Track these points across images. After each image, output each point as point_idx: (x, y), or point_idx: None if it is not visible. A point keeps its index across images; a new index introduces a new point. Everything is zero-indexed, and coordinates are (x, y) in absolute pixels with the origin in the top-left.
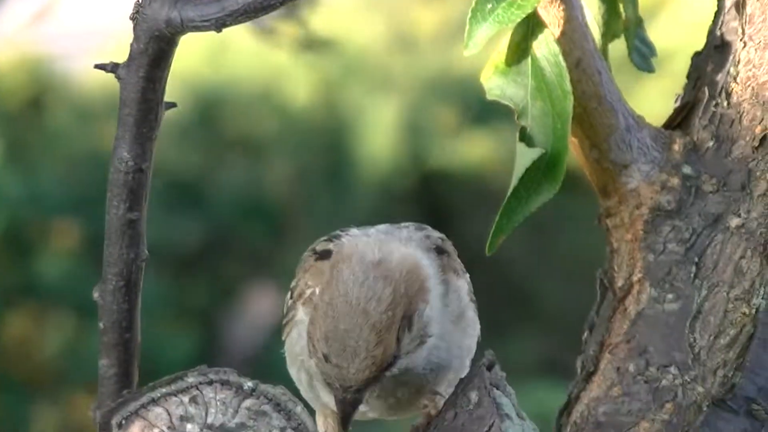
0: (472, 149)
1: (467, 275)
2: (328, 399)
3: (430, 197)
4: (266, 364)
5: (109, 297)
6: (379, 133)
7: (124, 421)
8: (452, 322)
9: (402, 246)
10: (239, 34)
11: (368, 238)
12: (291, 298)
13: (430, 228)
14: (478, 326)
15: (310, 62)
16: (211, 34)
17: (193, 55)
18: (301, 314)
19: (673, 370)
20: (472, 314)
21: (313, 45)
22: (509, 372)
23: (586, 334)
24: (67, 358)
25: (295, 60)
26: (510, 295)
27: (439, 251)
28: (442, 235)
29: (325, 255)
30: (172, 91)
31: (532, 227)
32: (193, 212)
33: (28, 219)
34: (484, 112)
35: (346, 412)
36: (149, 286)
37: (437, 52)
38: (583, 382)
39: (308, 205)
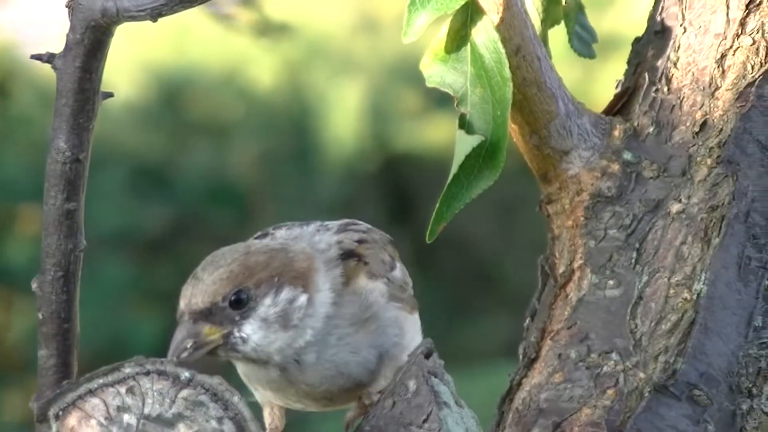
0: (436, 132)
1: (395, 273)
2: (270, 394)
3: (394, 180)
4: None
5: (48, 288)
6: (343, 116)
7: (61, 412)
8: (353, 324)
9: (308, 249)
10: (200, 20)
11: (273, 241)
12: None
13: (363, 225)
14: (408, 325)
15: (273, 47)
16: (173, 21)
17: (156, 41)
18: None
19: (614, 356)
20: (392, 315)
21: (270, 30)
22: (476, 353)
23: (527, 321)
24: (35, 344)
25: (258, 45)
26: (477, 277)
27: (348, 255)
28: (369, 236)
29: None
30: (135, 76)
31: (498, 209)
32: (159, 196)
33: None
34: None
35: (176, 345)
36: (117, 271)
37: (400, 35)
38: (525, 368)
39: (274, 188)
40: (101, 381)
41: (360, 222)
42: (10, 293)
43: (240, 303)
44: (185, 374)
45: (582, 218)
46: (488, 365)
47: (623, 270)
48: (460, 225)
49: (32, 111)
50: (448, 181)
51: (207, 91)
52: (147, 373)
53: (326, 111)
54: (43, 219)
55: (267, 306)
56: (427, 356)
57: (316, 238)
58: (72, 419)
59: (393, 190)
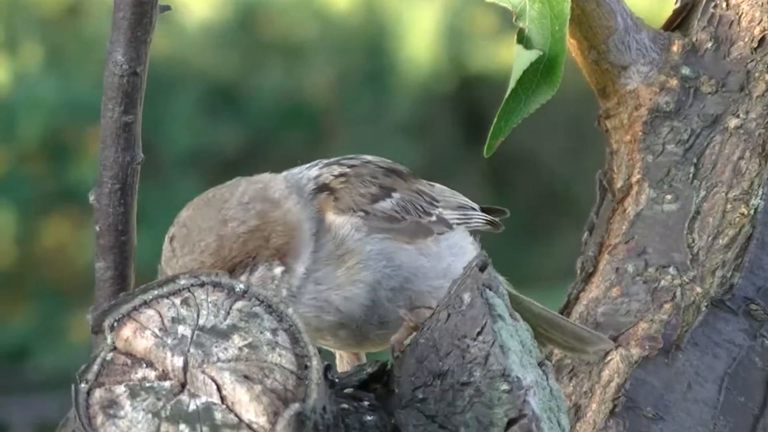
0: (511, 53)
1: (382, 204)
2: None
3: (469, 100)
4: None
5: (105, 200)
6: (419, 37)
7: (116, 324)
8: (328, 264)
9: (285, 192)
10: None
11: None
12: None
13: (361, 159)
14: (404, 256)
15: None
16: None
17: None
18: None
19: (671, 270)
20: (376, 247)
21: None
22: (549, 272)
23: (585, 236)
24: None
25: None
26: (549, 197)
27: (321, 190)
28: (355, 169)
29: None
30: None
31: (569, 129)
32: (233, 117)
33: (66, 125)
34: None
35: None
36: (189, 190)
37: None
38: (582, 283)
39: (347, 109)
40: (156, 292)
41: (366, 156)
42: (81, 214)
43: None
44: (240, 286)
45: (640, 133)
46: (560, 285)
47: (681, 185)
48: (533, 147)
49: (105, 30)
50: (506, 96)
51: (282, 12)
52: (202, 285)
53: (401, 32)
54: (101, 132)
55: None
56: (482, 269)
57: (301, 174)
58: (127, 330)
59: (467, 111)
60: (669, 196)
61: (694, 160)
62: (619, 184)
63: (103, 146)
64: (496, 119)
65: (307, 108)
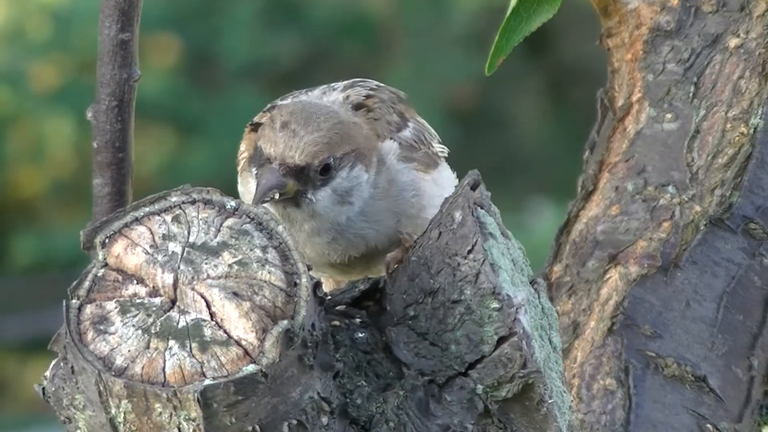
0: None
1: (405, 133)
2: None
3: None
4: None
5: (102, 117)
6: None
7: (107, 240)
8: (382, 193)
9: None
10: None
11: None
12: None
13: (373, 83)
14: (426, 186)
15: None
16: None
17: None
18: (239, 186)
19: (671, 189)
20: (408, 178)
21: None
22: None
23: (586, 154)
24: (168, 172)
25: None
26: None
27: (357, 108)
28: (377, 93)
29: (257, 126)
30: None
31: None
32: (292, 28)
33: None
34: None
35: (264, 192)
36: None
37: None
38: (583, 201)
39: (406, 21)
40: (147, 209)
41: (370, 80)
42: (144, 123)
43: (327, 170)
44: (231, 203)
45: (641, 52)
46: None
47: (681, 104)
48: (594, 62)
49: None
50: (507, 14)
51: None
52: (193, 202)
53: None
54: (98, 49)
55: (341, 179)
56: (474, 188)
57: (324, 100)
58: (118, 247)
59: None
60: (669, 115)
61: (694, 80)
62: (620, 102)
63: (100, 63)
64: (497, 37)
65: (365, 19)
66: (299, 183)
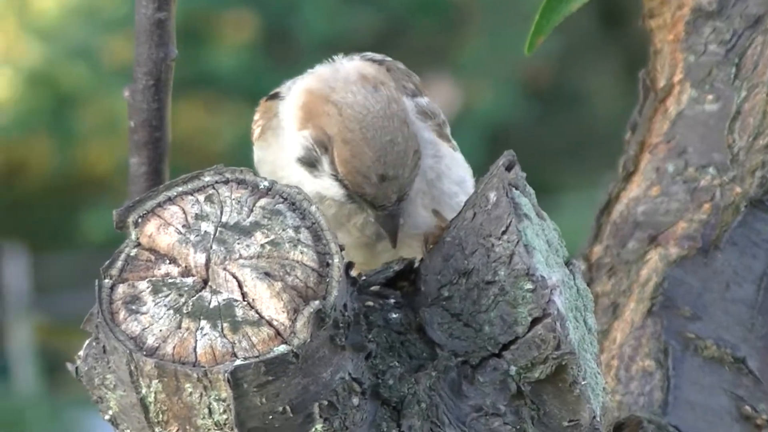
0: None
1: (420, 99)
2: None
3: None
4: None
5: (139, 96)
6: None
7: (140, 219)
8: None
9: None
10: None
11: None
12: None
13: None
14: (445, 150)
15: None
16: None
17: None
18: (257, 152)
19: (711, 170)
20: (428, 136)
21: None
22: None
23: (628, 135)
24: (241, 148)
25: None
26: None
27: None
28: (392, 63)
29: (274, 96)
30: None
31: None
32: (368, 3)
33: (204, 10)
34: None
35: (395, 224)
36: None
37: None
38: (624, 182)
39: None
40: (180, 189)
41: (389, 58)
42: (218, 99)
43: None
44: (264, 183)
45: (683, 32)
46: None
47: (722, 85)
48: None
49: None
50: None
51: None
52: (226, 182)
53: None
54: (135, 28)
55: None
56: (509, 168)
57: (343, 70)
58: (150, 226)
59: (604, 1)
60: (710, 96)
61: (736, 61)
62: (661, 83)
63: (137, 43)
64: (537, 17)
65: None
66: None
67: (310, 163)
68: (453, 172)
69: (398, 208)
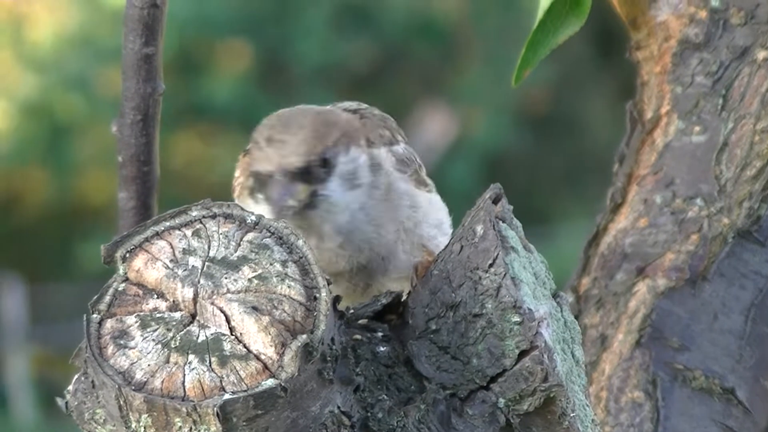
0: None
1: (396, 148)
2: None
3: (601, 16)
4: (439, 182)
5: (127, 131)
6: None
7: (128, 254)
8: (380, 199)
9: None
10: None
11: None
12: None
13: (364, 105)
14: (421, 199)
15: None
16: None
17: None
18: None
19: (699, 201)
20: (403, 187)
21: None
22: None
23: (615, 166)
24: None
25: None
26: None
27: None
28: (367, 110)
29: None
30: None
31: None
32: (364, 32)
33: (199, 40)
34: None
35: (280, 203)
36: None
37: None
38: (612, 213)
39: (478, 24)
40: (168, 224)
41: (364, 105)
42: (214, 129)
43: (327, 162)
44: (251, 218)
45: (670, 64)
46: None
47: (709, 116)
48: None
49: None
50: (534, 27)
51: None
52: (213, 216)
53: None
54: (122, 63)
55: (343, 164)
56: (495, 201)
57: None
58: (138, 261)
59: (599, 27)
60: (697, 128)
61: (723, 92)
62: (648, 115)
63: (124, 77)
64: (524, 50)
65: (437, 22)
66: (308, 184)
67: (251, 192)
68: (431, 217)
69: (285, 197)
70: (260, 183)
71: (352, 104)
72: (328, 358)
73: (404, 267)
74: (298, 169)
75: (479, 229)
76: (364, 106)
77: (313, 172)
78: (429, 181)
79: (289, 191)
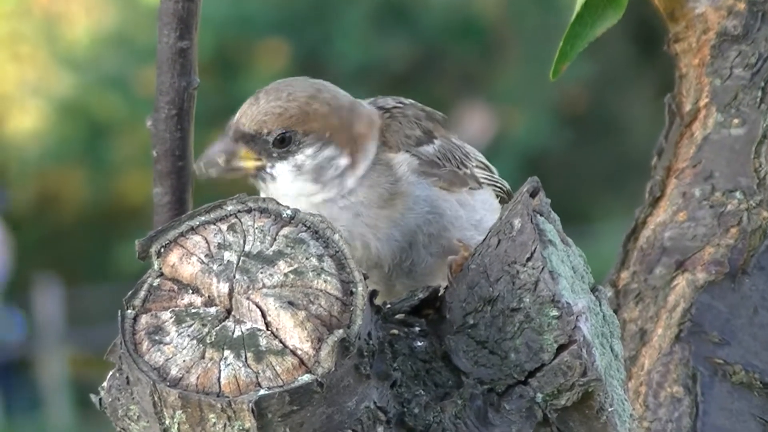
0: None
1: (426, 148)
2: None
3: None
4: None
5: (162, 125)
6: None
7: (162, 250)
8: (375, 198)
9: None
10: None
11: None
12: None
13: (408, 101)
14: (446, 204)
15: None
16: None
17: None
18: None
19: (738, 195)
20: (424, 193)
21: None
22: None
23: (654, 160)
24: None
25: None
26: None
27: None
28: (403, 109)
29: None
30: None
31: None
32: (402, 32)
33: (237, 40)
34: None
35: (209, 154)
36: None
37: None
38: (650, 207)
39: (517, 24)
40: (203, 218)
41: (407, 101)
42: None
43: (283, 142)
44: (287, 212)
45: (708, 57)
46: None
47: (748, 109)
48: None
49: None
50: (572, 20)
51: None
52: (249, 211)
53: None
54: (157, 57)
55: (306, 156)
56: (533, 194)
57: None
58: (173, 256)
59: (639, 25)
60: (736, 120)
61: (762, 84)
62: (687, 107)
63: (159, 72)
64: (561, 43)
65: (476, 21)
66: (255, 154)
67: None
68: (463, 221)
69: (217, 152)
70: None
71: (391, 101)
72: (365, 353)
73: (433, 269)
74: (246, 133)
75: (517, 222)
76: (407, 101)
77: (263, 146)
78: (479, 174)
79: (228, 149)
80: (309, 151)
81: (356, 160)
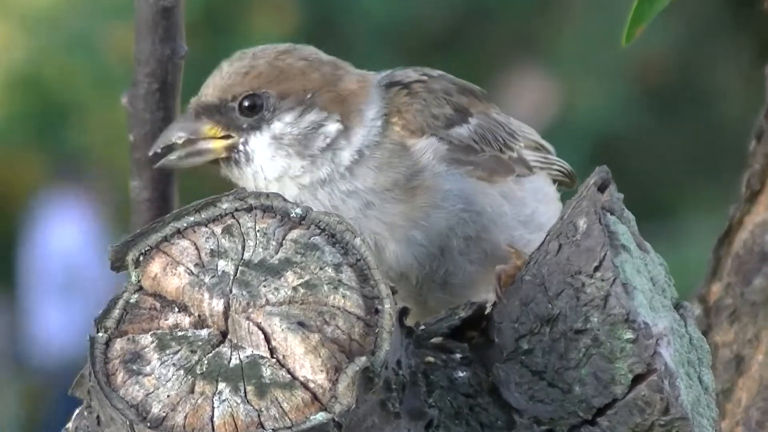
0: None
1: (459, 130)
2: None
3: None
4: None
5: (141, 103)
6: None
7: (142, 258)
8: (390, 189)
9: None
10: None
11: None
12: None
13: (438, 72)
14: (485, 198)
15: None
16: None
17: None
18: None
19: None
20: (455, 186)
21: None
22: None
23: (752, 144)
24: None
25: None
26: None
27: (392, 85)
28: (430, 83)
29: None
30: None
31: None
32: None
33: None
34: None
35: (164, 135)
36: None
37: None
38: (747, 203)
39: None
40: (192, 219)
41: (435, 72)
42: None
43: (253, 109)
44: (296, 210)
45: None
46: None
47: None
48: None
49: None
50: None
51: None
52: (249, 209)
53: None
54: (135, 19)
55: (285, 123)
56: (602, 189)
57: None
58: (155, 266)
59: None
60: None
61: None
62: None
63: (138, 37)
64: (635, 5)
65: None
66: (223, 129)
67: None
68: (509, 219)
69: (173, 132)
70: None
71: (413, 73)
72: (394, 386)
73: (473, 280)
74: (208, 104)
75: (582, 223)
76: (435, 73)
77: (226, 113)
78: (529, 156)
79: (188, 127)
80: (288, 117)
81: (350, 126)
